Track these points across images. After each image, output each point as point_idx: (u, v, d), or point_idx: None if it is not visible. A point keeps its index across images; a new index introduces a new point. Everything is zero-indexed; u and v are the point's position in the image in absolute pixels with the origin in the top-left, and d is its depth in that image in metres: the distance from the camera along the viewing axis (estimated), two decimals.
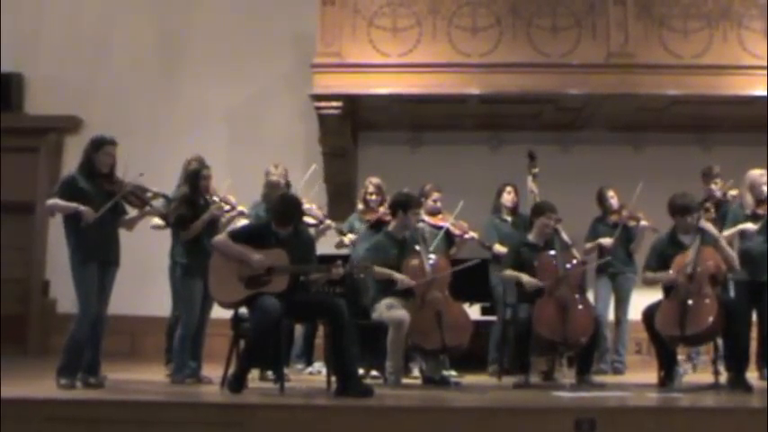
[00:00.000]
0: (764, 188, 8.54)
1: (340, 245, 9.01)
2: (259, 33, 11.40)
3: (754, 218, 8.42)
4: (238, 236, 6.85)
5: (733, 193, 9.02)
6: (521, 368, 7.62)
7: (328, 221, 8.94)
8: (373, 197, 9.07)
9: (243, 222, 8.03)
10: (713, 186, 9.16)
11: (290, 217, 6.92)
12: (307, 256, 6.95)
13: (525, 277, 7.69)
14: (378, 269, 7.50)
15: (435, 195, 9.10)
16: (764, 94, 10.08)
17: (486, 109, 10.73)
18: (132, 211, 7.09)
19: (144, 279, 8.73)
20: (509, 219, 9.30)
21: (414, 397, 6.74)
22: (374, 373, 7.94)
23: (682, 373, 8.00)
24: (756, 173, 8.62)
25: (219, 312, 7.09)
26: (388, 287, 7.56)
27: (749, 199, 8.58)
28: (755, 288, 8.25)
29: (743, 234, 8.29)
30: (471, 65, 10.10)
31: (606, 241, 9.25)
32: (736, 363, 7.35)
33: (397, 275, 7.53)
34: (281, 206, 7.03)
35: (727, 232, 8.19)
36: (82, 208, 6.64)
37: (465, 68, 10.11)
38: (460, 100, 10.37)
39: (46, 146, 11.52)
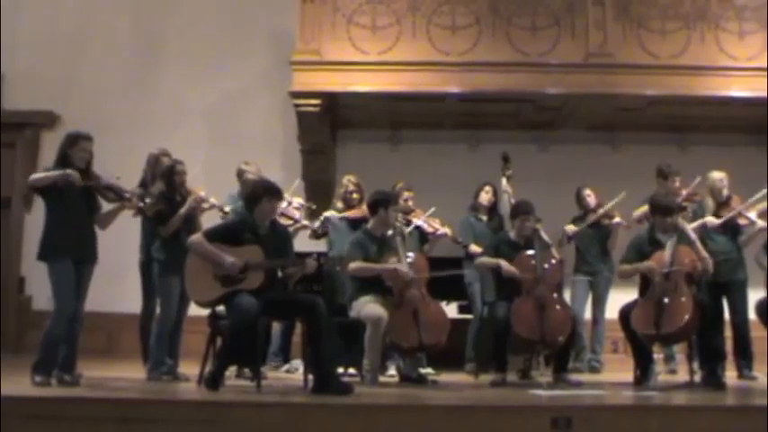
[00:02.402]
0: (725, 191, 8.63)
1: (314, 235, 9.01)
2: (238, 31, 11.39)
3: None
4: (213, 235, 6.81)
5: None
6: (498, 366, 7.64)
7: (304, 221, 8.93)
8: (354, 195, 9.07)
9: (219, 216, 8.03)
10: (674, 185, 9.19)
11: (259, 196, 6.89)
12: (283, 252, 6.93)
13: (503, 262, 7.72)
14: (367, 265, 7.53)
15: (406, 195, 9.11)
16: (740, 94, 10.18)
17: (464, 107, 10.75)
18: (108, 207, 7.06)
19: (121, 276, 8.69)
20: (485, 218, 9.33)
21: (391, 395, 6.74)
22: (352, 370, 7.94)
23: (658, 372, 8.05)
24: (717, 176, 8.73)
25: (197, 310, 7.06)
26: (365, 285, 7.57)
27: (710, 202, 8.67)
28: (720, 288, 8.33)
29: (706, 233, 8.35)
30: (450, 63, 10.12)
31: (569, 228, 9.31)
32: (710, 361, 7.42)
33: (388, 266, 7.53)
34: (252, 189, 7.10)
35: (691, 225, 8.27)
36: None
37: (444, 67, 10.13)
38: (439, 98, 10.39)
39: (22, 141, 11.44)
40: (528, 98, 10.44)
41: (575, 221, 9.55)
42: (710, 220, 8.42)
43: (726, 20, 10.40)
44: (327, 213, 8.97)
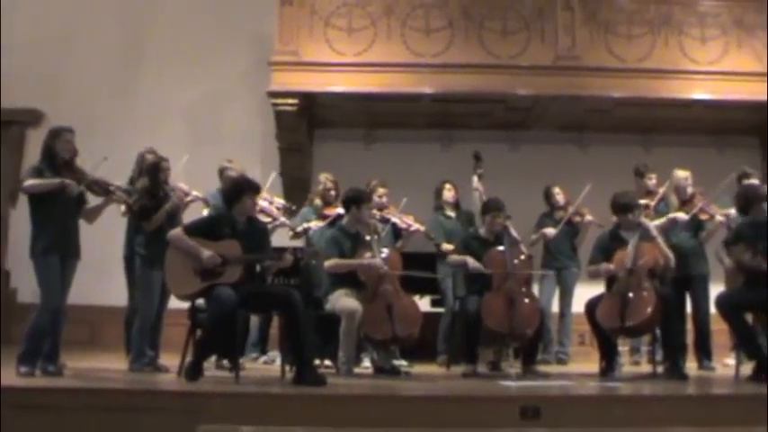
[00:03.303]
0: (689, 189, 8.71)
1: (294, 238, 9.00)
2: (219, 32, 11.33)
3: None
4: (193, 229, 6.79)
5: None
6: (469, 358, 7.67)
7: (283, 219, 8.92)
8: (331, 192, 9.08)
9: (203, 209, 8.02)
10: (649, 182, 9.27)
11: (239, 192, 6.89)
12: (260, 246, 6.92)
13: (470, 259, 7.77)
14: (344, 262, 7.55)
15: (381, 191, 9.11)
16: (702, 97, 10.27)
17: (437, 108, 10.76)
18: (94, 201, 7.04)
19: (104, 269, 8.64)
20: (453, 215, 9.36)
21: (365, 386, 6.75)
22: (327, 362, 7.95)
23: (622, 363, 8.09)
24: (681, 174, 8.81)
25: (177, 303, 7.04)
26: (341, 279, 7.57)
27: (674, 199, 8.75)
28: (684, 282, 8.40)
29: (671, 228, 8.41)
30: (424, 65, 10.12)
31: (550, 231, 9.35)
32: (673, 353, 7.48)
33: (365, 261, 7.54)
34: (233, 185, 7.11)
35: (657, 222, 8.33)
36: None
37: (418, 68, 10.13)
38: (413, 99, 10.38)
39: (8, 138, 11.32)
40: (499, 99, 10.45)
41: (544, 218, 9.59)
42: (680, 215, 8.47)
43: (689, 26, 10.47)
44: (308, 224, 8.92)
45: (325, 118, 11.18)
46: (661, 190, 9.01)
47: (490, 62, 10.17)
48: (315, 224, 8.87)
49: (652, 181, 9.27)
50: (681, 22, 10.47)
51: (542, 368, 8.02)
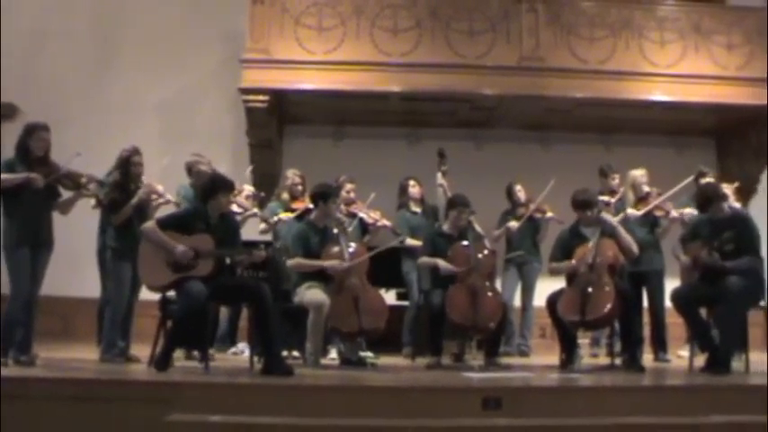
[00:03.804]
0: (645, 187, 8.80)
1: (265, 231, 8.98)
2: (191, 29, 11.28)
3: None
4: (166, 223, 6.77)
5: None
6: (433, 350, 7.69)
7: (255, 210, 8.91)
8: (299, 188, 9.08)
9: (171, 209, 7.97)
10: (612, 182, 9.35)
11: (215, 189, 6.88)
12: (231, 241, 6.92)
13: (441, 262, 7.78)
14: (306, 262, 7.54)
15: (349, 186, 9.12)
16: (660, 99, 10.40)
17: (405, 106, 10.78)
18: (67, 194, 7.01)
19: (76, 261, 8.57)
20: (418, 210, 9.38)
21: (332, 377, 6.75)
22: (295, 353, 7.95)
23: (582, 355, 8.16)
24: (638, 173, 8.91)
25: (148, 294, 7.01)
26: (309, 273, 7.58)
27: (630, 196, 8.84)
28: (641, 277, 8.48)
29: (627, 225, 8.49)
30: (392, 64, 10.16)
31: (513, 224, 9.38)
32: (631, 346, 7.55)
33: (327, 263, 7.54)
34: (210, 182, 7.06)
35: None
36: (32, 175, 6.62)
37: (386, 67, 10.17)
38: (381, 97, 10.40)
39: None
40: (464, 98, 10.50)
41: (506, 215, 9.63)
42: (632, 211, 8.54)
43: (648, 29, 10.59)
44: (282, 216, 8.90)
45: (295, 115, 11.18)
46: (622, 188, 9.10)
47: (456, 62, 10.23)
48: (285, 216, 8.85)
49: (615, 181, 9.36)
50: (641, 25, 10.60)
51: (504, 360, 8.08)
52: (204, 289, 6.42)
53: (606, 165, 9.60)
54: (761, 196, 10.89)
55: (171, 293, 6.76)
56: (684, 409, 5.73)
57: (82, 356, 7.62)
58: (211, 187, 6.95)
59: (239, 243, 7.09)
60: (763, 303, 7.33)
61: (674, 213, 8.71)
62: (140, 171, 7.64)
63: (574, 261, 7.55)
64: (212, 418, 5.26)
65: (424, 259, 8.02)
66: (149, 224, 6.80)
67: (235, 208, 8.34)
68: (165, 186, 7.93)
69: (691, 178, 8.88)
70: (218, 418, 5.27)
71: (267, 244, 7.60)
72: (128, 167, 7.55)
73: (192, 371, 6.64)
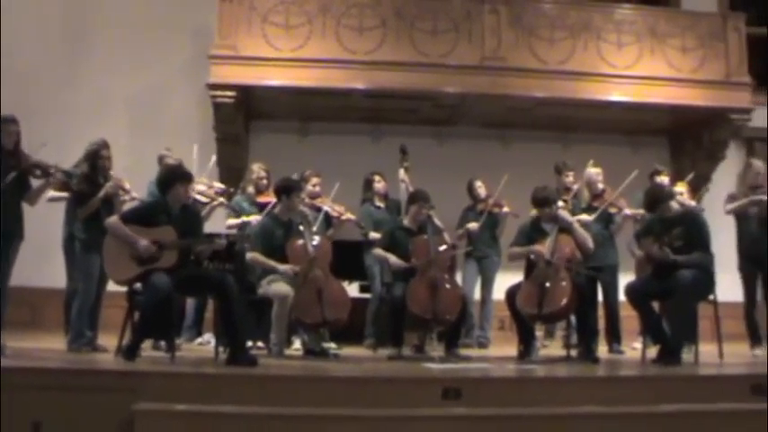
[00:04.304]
0: (599, 185, 8.88)
1: (233, 226, 8.94)
2: (161, 25, 11.19)
3: (589, 210, 8.75)
4: (129, 217, 6.72)
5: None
6: (394, 342, 7.71)
7: (221, 199, 8.87)
8: (263, 181, 9.06)
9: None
10: (567, 179, 9.43)
11: (171, 180, 6.86)
12: (194, 232, 6.88)
13: (392, 258, 7.84)
14: (262, 259, 7.53)
15: (315, 180, 9.10)
16: (617, 99, 10.51)
17: (369, 103, 10.78)
18: (36, 183, 6.96)
19: (45, 251, 8.49)
20: (382, 205, 9.39)
21: (296, 367, 6.75)
22: (260, 344, 7.94)
23: (539, 347, 8.22)
24: (593, 170, 8.98)
25: (116, 285, 6.98)
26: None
27: (586, 193, 8.91)
28: (596, 271, 8.54)
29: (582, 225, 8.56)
30: (357, 62, 10.17)
31: (473, 226, 9.42)
32: (586, 338, 7.62)
33: (280, 267, 7.53)
34: (166, 173, 7.09)
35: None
36: None
37: (351, 65, 10.18)
38: (346, 94, 10.41)
39: None
40: (427, 96, 10.53)
41: (467, 211, 9.66)
42: (583, 218, 8.56)
43: (606, 32, 10.69)
44: (247, 219, 8.82)
45: (262, 110, 11.15)
46: (575, 186, 9.18)
47: (420, 61, 10.27)
48: (254, 218, 8.76)
49: (569, 178, 9.44)
50: (599, 28, 10.70)
51: (464, 351, 8.09)
52: (169, 281, 6.39)
53: (561, 162, 9.68)
54: (712, 194, 11.00)
55: (138, 285, 6.72)
56: (637, 398, 5.80)
57: (50, 346, 7.55)
58: (168, 178, 6.93)
59: (201, 233, 7.06)
60: (712, 297, 7.42)
61: (626, 211, 8.80)
62: (109, 165, 7.58)
63: (538, 248, 7.60)
64: (178, 406, 5.25)
65: (378, 251, 8.07)
66: (113, 219, 6.75)
67: (202, 198, 8.33)
68: (133, 180, 7.88)
69: (635, 173, 8.91)
70: (183, 406, 5.26)
71: (230, 235, 7.57)
72: (96, 161, 7.49)
73: (159, 361, 6.60)
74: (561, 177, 9.50)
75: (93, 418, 5.25)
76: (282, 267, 7.50)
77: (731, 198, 8.65)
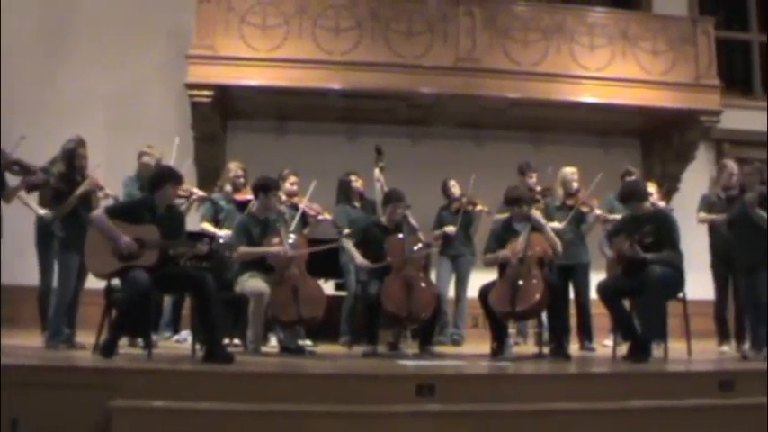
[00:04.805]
0: (574, 184, 8.93)
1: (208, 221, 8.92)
2: (139, 25, 11.13)
3: (563, 209, 8.80)
4: (115, 212, 6.70)
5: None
6: (369, 339, 7.73)
7: (200, 193, 8.85)
8: (241, 179, 9.05)
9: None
10: (530, 180, 9.49)
11: (163, 180, 6.85)
12: (176, 232, 6.86)
13: (358, 258, 7.88)
14: (246, 249, 7.51)
15: (292, 179, 9.09)
16: (589, 100, 10.57)
17: (345, 103, 10.78)
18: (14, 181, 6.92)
19: (21, 249, 8.43)
20: (358, 204, 9.39)
21: (272, 364, 6.75)
22: (236, 341, 7.94)
23: (512, 344, 8.26)
24: (568, 170, 9.03)
25: (93, 283, 6.96)
26: (250, 262, 7.56)
27: (560, 192, 8.97)
28: (568, 270, 8.60)
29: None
30: (333, 62, 10.17)
31: (450, 229, 9.45)
32: (558, 335, 7.67)
33: (268, 249, 7.53)
34: (158, 172, 7.06)
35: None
36: None
37: (327, 65, 10.18)
38: (322, 94, 10.40)
39: None
40: (402, 96, 10.54)
41: (442, 210, 9.69)
42: (554, 225, 8.58)
43: (579, 34, 10.74)
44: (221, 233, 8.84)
45: (239, 110, 11.13)
46: (539, 188, 9.25)
47: (395, 62, 10.29)
48: (225, 233, 8.69)
49: (532, 179, 9.52)
50: (572, 30, 10.75)
51: (438, 349, 8.13)
52: (148, 278, 6.38)
53: (525, 163, 9.74)
54: (682, 194, 11.10)
55: (116, 282, 6.70)
56: (608, 394, 5.84)
57: (27, 344, 7.50)
58: (160, 178, 6.91)
59: (184, 236, 7.05)
60: (681, 295, 7.48)
61: (597, 211, 8.86)
62: (85, 163, 7.55)
63: (508, 252, 7.65)
64: (155, 403, 5.24)
65: (348, 246, 8.09)
66: (98, 212, 6.73)
67: (181, 192, 8.31)
68: (110, 178, 7.85)
69: (600, 175, 8.97)
70: (160, 403, 5.24)
71: (211, 237, 7.56)
72: (73, 159, 7.45)
73: (136, 358, 6.60)
74: (525, 178, 9.56)
75: (71, 414, 5.22)
76: (273, 249, 7.50)
77: (705, 201, 8.71)
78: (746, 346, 7.95)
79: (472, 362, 7.29)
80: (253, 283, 7.40)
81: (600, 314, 8.23)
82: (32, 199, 7.84)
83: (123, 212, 6.71)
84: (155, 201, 6.81)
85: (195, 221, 8.69)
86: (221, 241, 7.55)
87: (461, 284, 9.59)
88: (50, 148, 7.74)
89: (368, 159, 9.48)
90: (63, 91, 11.00)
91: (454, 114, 11.13)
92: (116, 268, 6.52)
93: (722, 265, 8.53)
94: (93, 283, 6.92)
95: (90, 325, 7.18)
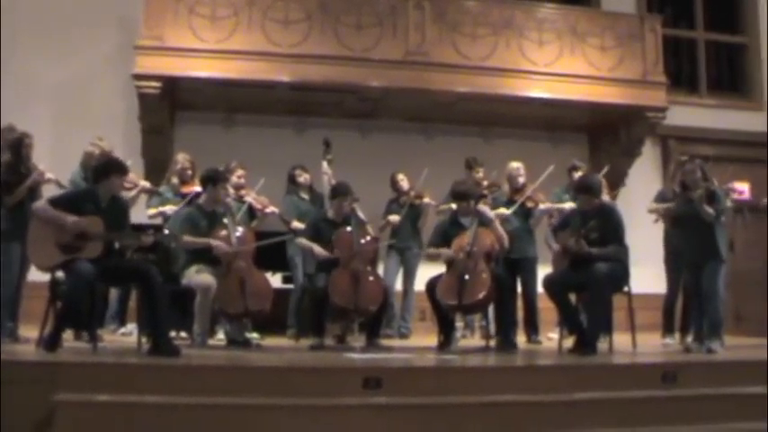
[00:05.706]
0: (520, 179, 9.02)
1: (154, 216, 8.85)
2: (86, 14, 10.94)
3: (510, 203, 8.88)
4: (58, 202, 6.62)
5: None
6: (316, 332, 7.74)
7: (143, 183, 8.79)
8: (189, 172, 9.00)
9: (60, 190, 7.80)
10: (477, 175, 9.57)
11: (108, 171, 6.78)
12: (121, 224, 6.80)
13: (316, 248, 7.88)
14: (192, 239, 7.47)
15: (240, 172, 9.07)
16: (538, 95, 10.65)
17: (293, 96, 10.73)
18: None
19: None
20: (306, 197, 9.39)
21: (219, 357, 6.74)
22: (183, 334, 7.89)
23: (459, 337, 8.32)
24: (514, 165, 9.14)
25: (37, 275, 6.88)
26: (197, 255, 7.53)
27: (506, 187, 9.05)
28: (515, 264, 8.69)
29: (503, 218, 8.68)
30: (282, 54, 10.11)
31: (394, 218, 9.49)
32: (505, 328, 7.74)
33: (213, 241, 7.50)
34: (104, 163, 7.00)
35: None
36: None
37: (276, 58, 10.11)
38: (271, 86, 10.33)
39: None
40: (351, 89, 10.50)
41: (391, 203, 9.72)
42: (501, 212, 8.67)
43: (528, 29, 10.80)
44: (163, 208, 8.76)
45: (187, 101, 11.03)
46: (486, 182, 9.31)
47: (344, 54, 10.24)
48: (170, 207, 8.73)
49: (479, 174, 9.60)
50: (521, 25, 10.80)
51: (385, 342, 8.18)
52: (92, 269, 6.31)
53: (472, 158, 9.82)
54: (628, 189, 11.24)
55: (60, 274, 6.63)
56: (554, 386, 5.94)
57: None
58: (105, 168, 6.84)
59: (128, 227, 6.98)
60: (626, 289, 7.59)
61: (542, 206, 8.95)
62: (31, 153, 7.47)
63: (453, 249, 7.69)
64: (99, 397, 5.21)
65: (302, 241, 8.11)
66: (40, 202, 6.66)
67: (126, 183, 8.24)
68: (55, 169, 7.75)
69: (550, 168, 9.06)
70: (105, 397, 5.22)
71: (156, 228, 7.51)
72: (20, 149, 7.37)
73: (81, 351, 6.52)
74: (471, 173, 9.64)
75: (14, 409, 5.17)
76: (215, 242, 7.47)
77: (661, 196, 8.86)
78: (690, 338, 8.09)
79: (419, 355, 7.34)
80: (199, 276, 7.38)
81: (546, 308, 8.32)
82: None
83: (66, 203, 6.62)
84: (98, 192, 6.74)
85: (140, 213, 8.61)
86: (166, 232, 7.49)
87: (409, 278, 9.63)
88: None
89: (316, 152, 9.48)
90: (8, 81, 10.80)
91: (403, 108, 11.14)
92: (60, 261, 6.45)
93: (675, 259, 8.65)
94: (38, 275, 6.84)
95: (34, 318, 7.09)
